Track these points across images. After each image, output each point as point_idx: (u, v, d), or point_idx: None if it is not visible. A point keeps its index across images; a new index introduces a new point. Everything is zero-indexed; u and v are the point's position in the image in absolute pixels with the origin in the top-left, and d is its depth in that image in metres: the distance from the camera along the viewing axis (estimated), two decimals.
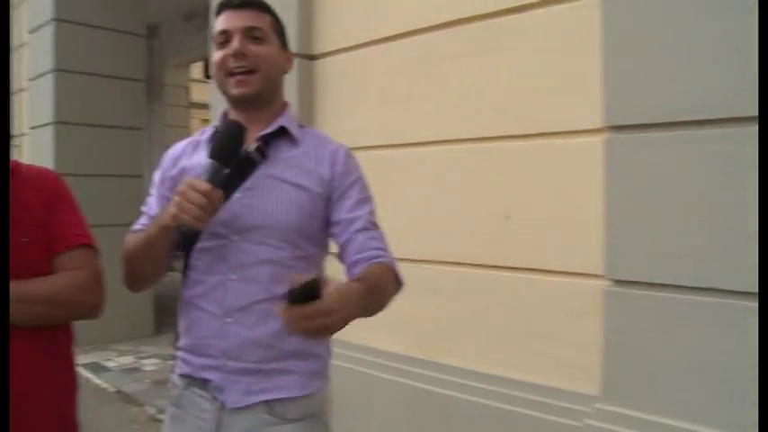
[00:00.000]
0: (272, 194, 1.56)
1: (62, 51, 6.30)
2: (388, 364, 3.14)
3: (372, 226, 1.62)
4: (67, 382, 1.65)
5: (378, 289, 1.47)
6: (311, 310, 1.19)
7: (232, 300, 1.55)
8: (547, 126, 2.60)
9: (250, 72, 1.57)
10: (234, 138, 1.52)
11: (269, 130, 1.62)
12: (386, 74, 3.22)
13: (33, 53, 6.84)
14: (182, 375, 1.65)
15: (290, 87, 3.39)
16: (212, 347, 1.56)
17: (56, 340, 1.59)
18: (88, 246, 1.64)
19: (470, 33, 2.86)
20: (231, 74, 1.58)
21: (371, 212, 1.65)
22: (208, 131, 1.71)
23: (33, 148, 6.85)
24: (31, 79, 6.78)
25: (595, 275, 2.37)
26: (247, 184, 1.57)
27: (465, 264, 2.87)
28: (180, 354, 1.66)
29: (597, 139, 2.37)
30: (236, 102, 1.64)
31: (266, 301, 1.52)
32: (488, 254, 2.78)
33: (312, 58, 3.57)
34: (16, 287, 1.45)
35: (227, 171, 1.47)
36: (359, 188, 1.65)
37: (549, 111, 2.59)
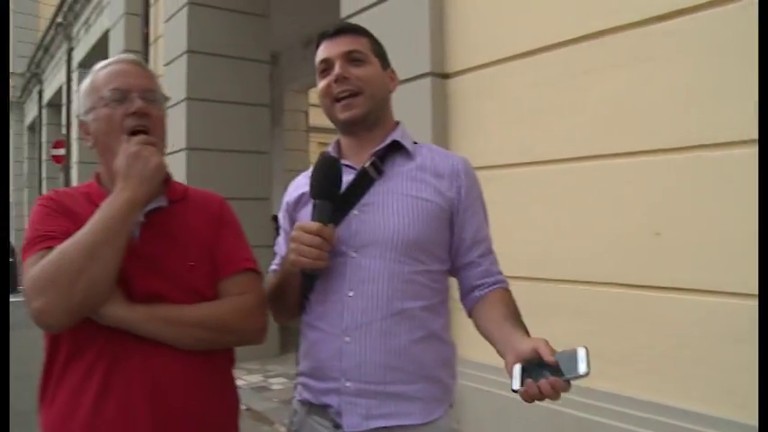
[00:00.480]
0: (389, 208, 1.53)
1: (193, 80, 6.62)
2: None
3: (492, 249, 1.64)
4: (229, 403, 1.63)
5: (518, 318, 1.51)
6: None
7: (350, 318, 1.51)
8: (696, 138, 2.43)
9: (354, 95, 1.57)
10: (329, 172, 1.51)
11: (382, 145, 1.60)
12: (521, 90, 3.14)
13: (168, 83, 7.22)
14: (302, 402, 1.63)
15: (424, 106, 3.37)
16: (332, 369, 1.53)
17: (217, 362, 1.58)
18: (252, 270, 1.63)
19: (611, 45, 2.74)
20: (337, 99, 1.59)
21: (488, 233, 1.65)
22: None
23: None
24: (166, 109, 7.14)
25: (752, 295, 2.18)
26: (364, 199, 1.55)
27: (611, 284, 2.72)
28: (300, 379, 1.64)
29: (751, 151, 2.18)
30: (345, 126, 1.63)
31: (385, 319, 1.49)
32: (636, 273, 2.63)
33: (445, 76, 3.53)
34: (184, 311, 1.46)
35: (331, 206, 1.48)
36: (481, 205, 1.63)
37: (699, 122, 2.42)
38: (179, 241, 1.54)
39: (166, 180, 1.59)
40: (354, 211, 1.54)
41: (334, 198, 1.49)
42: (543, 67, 3.04)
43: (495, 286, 1.57)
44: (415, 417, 1.50)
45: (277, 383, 5.82)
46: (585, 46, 2.85)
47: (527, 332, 1.41)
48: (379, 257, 1.50)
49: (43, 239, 1.41)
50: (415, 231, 1.51)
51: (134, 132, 1.50)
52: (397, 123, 1.69)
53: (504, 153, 3.18)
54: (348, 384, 1.50)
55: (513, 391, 1.24)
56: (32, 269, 1.34)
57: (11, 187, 24.60)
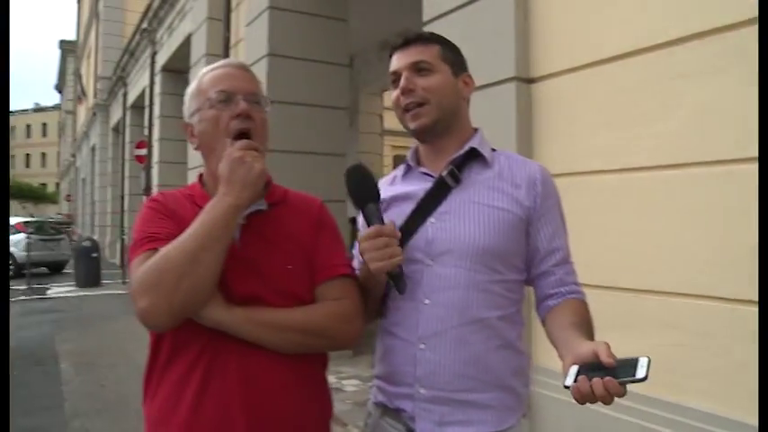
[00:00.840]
0: (466, 217, 1.54)
1: (273, 83, 6.74)
2: (615, 400, 2.91)
3: (569, 258, 1.60)
4: (322, 405, 1.64)
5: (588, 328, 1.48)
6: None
7: (425, 325, 1.53)
8: None
9: (420, 104, 1.59)
10: (359, 179, 1.53)
11: (459, 153, 1.61)
12: (608, 96, 3.05)
13: None
14: (376, 404, 1.65)
15: (508, 111, 3.32)
16: (406, 375, 1.55)
17: (311, 365, 1.59)
18: (349, 276, 1.63)
19: (704, 49, 2.63)
20: (406, 110, 1.61)
21: (566, 241, 1.61)
22: (401, 169, 1.73)
23: None
24: None
25: None
26: (442, 208, 1.56)
27: (705, 297, 2.61)
28: (376, 382, 1.67)
29: None
30: (416, 135, 1.65)
31: (461, 327, 1.50)
32: (731, 286, 2.51)
33: (530, 81, 3.47)
34: (280, 315, 1.48)
35: (378, 205, 1.52)
36: (558, 213, 1.60)
37: None
38: (278, 244, 1.56)
39: (267, 182, 1.60)
40: (431, 219, 1.56)
41: (376, 197, 1.52)
42: (629, 72, 2.95)
43: (568, 296, 1.55)
44: (488, 425, 1.51)
45: (350, 385, 5.84)
46: (678, 50, 2.74)
47: (592, 339, 1.39)
48: (455, 266, 1.51)
49: (148, 241, 1.45)
50: (492, 241, 1.51)
51: (239, 135, 1.53)
52: (476, 130, 1.69)
53: (590, 160, 3.10)
54: (422, 391, 1.52)
55: (565, 387, 1.22)
56: (138, 270, 1.39)
57: (96, 184, 25.63)
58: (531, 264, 1.58)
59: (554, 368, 3.18)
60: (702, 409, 2.58)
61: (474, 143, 1.62)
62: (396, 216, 1.58)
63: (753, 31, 2.45)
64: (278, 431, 1.49)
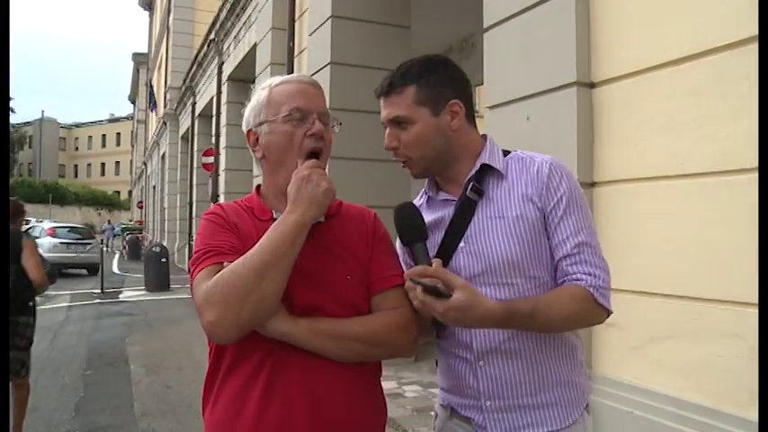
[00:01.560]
0: (492, 235, 1.59)
1: (336, 91, 6.86)
2: (673, 410, 2.86)
3: (579, 248, 1.57)
4: (379, 412, 1.67)
5: (543, 309, 1.50)
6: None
7: (479, 343, 1.61)
8: None
9: (407, 160, 1.66)
10: (410, 217, 1.61)
11: (473, 171, 1.65)
12: (673, 99, 2.98)
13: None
14: (444, 406, 1.73)
15: (569, 116, 3.28)
16: (469, 389, 1.63)
17: (367, 373, 1.63)
18: (403, 285, 1.65)
19: None
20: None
21: (579, 230, 1.58)
22: (423, 197, 1.79)
23: None
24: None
25: None
26: (469, 231, 1.62)
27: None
28: (441, 393, 1.76)
29: None
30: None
31: (511, 340, 1.58)
32: None
33: (592, 86, 3.42)
34: (340, 326, 1.52)
35: (425, 244, 1.59)
36: (564, 205, 1.58)
37: None
38: (336, 255, 1.60)
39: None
40: (461, 244, 1.62)
41: (425, 237, 1.59)
42: (694, 75, 2.87)
43: (569, 281, 1.57)
44: (556, 422, 1.58)
45: (411, 391, 5.84)
46: (740, 52, 2.66)
47: (523, 304, 1.50)
48: (491, 284, 1.58)
49: (212, 255, 1.50)
50: (520, 251, 1.57)
51: (309, 154, 1.59)
52: (482, 142, 1.71)
53: (652, 165, 3.03)
54: (488, 403, 1.60)
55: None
56: (204, 284, 1.43)
57: (165, 191, 26.39)
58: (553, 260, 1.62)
59: (612, 377, 3.13)
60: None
61: (484, 158, 1.65)
62: (429, 246, 1.63)
63: None
64: None
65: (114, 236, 36.91)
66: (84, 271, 20.88)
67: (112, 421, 5.33)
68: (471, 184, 1.63)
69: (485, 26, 4.07)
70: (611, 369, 3.18)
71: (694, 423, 2.75)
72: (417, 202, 1.79)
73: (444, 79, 1.66)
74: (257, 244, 1.44)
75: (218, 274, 1.42)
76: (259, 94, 1.67)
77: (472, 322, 1.48)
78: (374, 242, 1.67)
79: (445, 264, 1.60)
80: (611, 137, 3.31)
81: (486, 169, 1.64)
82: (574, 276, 1.55)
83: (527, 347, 1.58)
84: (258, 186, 1.74)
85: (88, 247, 21.00)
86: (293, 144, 1.59)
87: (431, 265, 1.51)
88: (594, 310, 1.54)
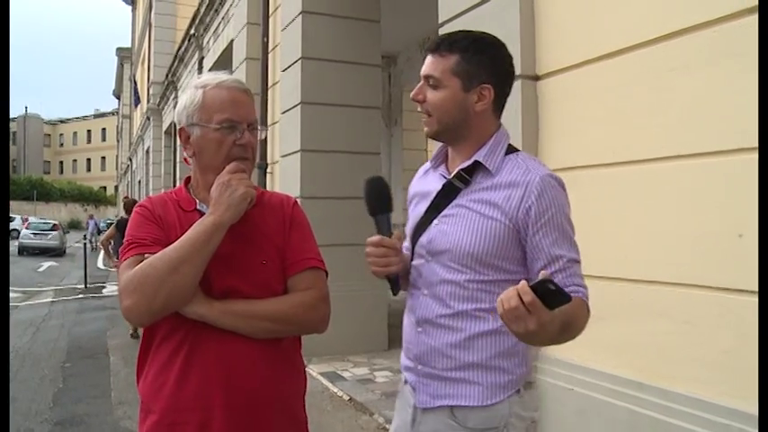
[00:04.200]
0: (459, 222, 1.69)
1: (307, 85, 6.95)
2: (608, 386, 3.03)
3: (571, 264, 1.63)
4: (294, 384, 1.83)
5: (572, 324, 1.53)
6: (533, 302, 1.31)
7: (422, 312, 1.76)
8: None
9: (428, 114, 1.74)
10: (377, 191, 1.76)
11: (465, 164, 1.72)
12: (610, 91, 3.13)
13: (284, 89, 7.60)
14: (403, 370, 1.88)
15: (514, 108, 3.42)
16: (410, 352, 1.80)
17: (284, 349, 1.78)
18: (317, 268, 1.81)
19: (701, 41, 2.68)
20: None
21: (570, 248, 1.64)
22: (428, 164, 1.90)
23: (283, 174, 7.60)
24: (283, 112, 7.53)
25: None
26: (446, 210, 1.73)
27: (693, 285, 2.68)
28: (402, 355, 1.89)
29: None
30: (429, 138, 1.81)
31: (447, 317, 1.70)
32: (718, 276, 2.58)
33: (536, 78, 3.57)
34: (253, 306, 1.68)
35: (388, 216, 1.75)
36: (560, 222, 1.63)
37: None
38: (253, 242, 1.75)
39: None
40: (435, 221, 1.74)
41: (388, 209, 1.76)
42: (629, 66, 3.01)
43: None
44: (473, 399, 1.68)
45: (381, 377, 6.01)
46: (671, 44, 2.80)
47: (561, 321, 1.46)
48: (446, 265, 1.70)
49: (135, 246, 1.68)
50: (474, 247, 1.65)
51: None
52: (493, 134, 1.73)
53: (590, 154, 3.18)
54: (419, 367, 1.76)
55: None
56: (126, 273, 1.61)
57: (150, 186, 26.36)
58: (531, 268, 1.65)
59: (556, 356, 3.30)
60: (690, 394, 2.65)
61: (480, 155, 1.70)
62: (414, 214, 1.83)
63: (742, 24, 2.50)
64: (250, 402, 1.68)
65: (99, 231, 36.70)
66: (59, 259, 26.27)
67: (89, 410, 5.46)
68: (459, 172, 1.72)
69: (439, 21, 4.21)
70: (556, 349, 3.34)
71: (627, 397, 2.91)
72: (423, 168, 1.93)
73: (487, 62, 1.69)
74: (178, 240, 1.61)
75: (138, 266, 1.59)
76: (193, 93, 1.77)
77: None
78: (290, 228, 1.82)
79: (420, 233, 1.76)
80: (554, 128, 3.46)
81: (480, 163, 1.70)
82: (573, 288, 1.57)
83: (459, 327, 1.68)
84: (188, 178, 1.88)
85: (49, 235, 29.29)
86: (221, 151, 1.73)
87: (390, 237, 1.69)
88: (587, 319, 1.61)
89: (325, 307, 1.78)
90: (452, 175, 1.74)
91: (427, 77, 1.71)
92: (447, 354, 1.70)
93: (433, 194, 1.77)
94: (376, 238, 1.70)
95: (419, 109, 1.75)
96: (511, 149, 1.74)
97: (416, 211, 1.83)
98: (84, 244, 18.31)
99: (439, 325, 1.71)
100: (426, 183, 1.85)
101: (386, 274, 1.73)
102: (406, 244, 1.87)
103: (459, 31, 1.75)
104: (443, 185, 1.75)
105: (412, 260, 1.81)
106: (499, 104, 1.74)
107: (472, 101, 1.69)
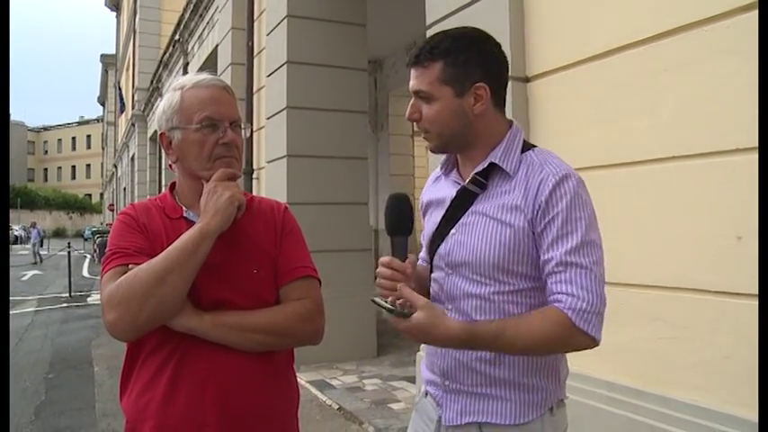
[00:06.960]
0: (477, 231, 1.59)
1: (293, 90, 6.87)
2: (602, 392, 2.97)
3: (564, 267, 1.48)
4: (288, 398, 1.75)
5: (508, 333, 1.47)
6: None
7: None
8: None
9: (426, 131, 1.65)
10: (400, 210, 1.63)
11: (480, 167, 1.61)
12: (599, 92, 3.08)
13: (270, 93, 7.52)
14: (424, 383, 1.79)
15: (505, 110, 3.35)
16: (435, 365, 1.69)
17: (277, 362, 1.69)
18: (311, 276, 1.73)
19: (692, 40, 2.64)
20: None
21: (570, 250, 1.48)
22: (438, 171, 1.80)
23: (269, 179, 7.51)
24: (268, 117, 7.44)
25: None
26: (464, 219, 1.63)
27: (690, 289, 2.63)
28: (423, 366, 1.81)
29: None
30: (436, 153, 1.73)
31: None
32: (716, 279, 2.53)
33: (527, 80, 3.52)
34: (245, 318, 1.59)
35: (406, 240, 1.62)
36: (559, 223, 1.50)
37: None
38: (243, 250, 1.66)
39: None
40: (453, 231, 1.64)
41: (408, 232, 1.62)
42: (618, 67, 2.97)
43: (550, 302, 1.50)
44: (505, 417, 1.58)
45: (371, 384, 5.91)
46: (661, 44, 2.76)
47: (487, 327, 1.50)
48: (468, 277, 1.60)
49: (118, 256, 1.57)
50: (495, 256, 1.55)
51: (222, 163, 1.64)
52: (505, 133, 1.64)
53: (582, 156, 3.12)
54: (447, 383, 1.66)
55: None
56: (109, 285, 1.50)
57: (135, 194, 26.18)
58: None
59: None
60: (689, 401, 2.59)
61: (495, 156, 1.60)
62: (430, 224, 1.73)
63: (735, 22, 2.47)
64: (249, 423, 1.59)
65: (43, 242, 35.61)
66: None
67: (72, 423, 5.33)
68: (474, 176, 1.62)
69: (427, 23, 4.15)
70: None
71: (624, 405, 2.86)
72: (434, 175, 1.82)
73: (474, 59, 1.58)
74: (164, 250, 1.51)
75: (122, 277, 1.49)
76: (171, 96, 1.68)
77: (434, 342, 1.54)
78: (282, 236, 1.73)
79: (438, 245, 1.66)
80: (544, 130, 3.40)
81: (495, 165, 1.60)
82: (553, 297, 1.48)
83: None
84: (173, 184, 1.79)
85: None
86: (204, 151, 1.63)
87: (404, 261, 1.57)
88: (574, 336, 1.43)
89: (320, 318, 1.69)
90: (468, 180, 1.63)
91: (416, 93, 1.61)
92: (476, 369, 1.59)
93: (448, 202, 1.67)
94: (386, 258, 1.58)
95: (416, 128, 1.67)
96: (527, 146, 1.64)
97: (432, 220, 1.73)
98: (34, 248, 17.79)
99: None
100: (439, 190, 1.75)
101: (392, 296, 1.55)
102: (423, 255, 1.80)
103: (436, 33, 1.64)
104: (458, 192, 1.66)
105: (431, 272, 1.72)
106: (499, 99, 1.64)
107: (469, 104, 1.58)
